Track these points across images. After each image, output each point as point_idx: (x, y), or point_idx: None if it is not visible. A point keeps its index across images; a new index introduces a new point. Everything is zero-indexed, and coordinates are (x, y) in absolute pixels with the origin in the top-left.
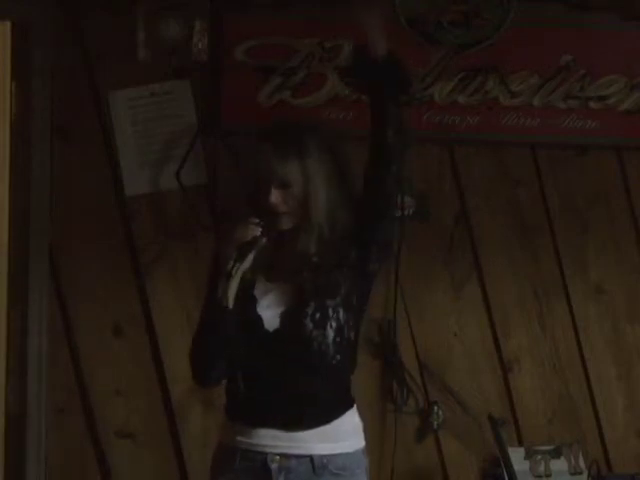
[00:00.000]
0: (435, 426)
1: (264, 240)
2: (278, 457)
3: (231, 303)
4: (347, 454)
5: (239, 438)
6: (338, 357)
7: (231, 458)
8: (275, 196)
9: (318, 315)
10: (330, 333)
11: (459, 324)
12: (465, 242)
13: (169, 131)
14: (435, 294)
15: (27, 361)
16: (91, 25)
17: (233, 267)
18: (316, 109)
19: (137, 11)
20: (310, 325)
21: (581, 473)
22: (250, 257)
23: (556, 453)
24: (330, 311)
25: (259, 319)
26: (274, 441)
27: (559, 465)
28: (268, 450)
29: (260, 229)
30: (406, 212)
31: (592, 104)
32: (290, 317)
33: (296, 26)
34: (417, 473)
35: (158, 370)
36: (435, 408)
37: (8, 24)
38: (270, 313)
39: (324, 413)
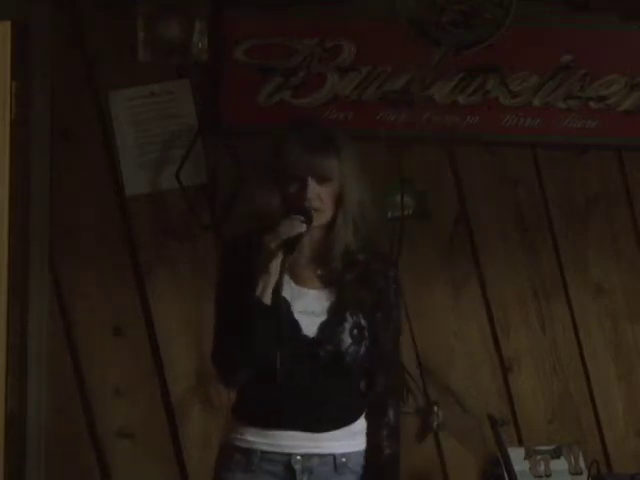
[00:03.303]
0: (435, 426)
1: (305, 238)
2: (300, 457)
3: (267, 299)
4: (362, 451)
5: (257, 439)
6: (362, 369)
7: (247, 459)
8: (312, 190)
9: (356, 331)
10: (362, 350)
11: (459, 324)
12: (465, 242)
13: (169, 131)
14: (435, 294)
15: (27, 361)
16: (91, 25)
17: (282, 265)
18: (316, 109)
19: (137, 11)
20: (349, 340)
21: (581, 473)
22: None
23: (556, 453)
24: (366, 332)
25: (296, 323)
26: (296, 441)
27: (559, 465)
28: (291, 451)
29: (304, 225)
30: (406, 212)
31: (592, 104)
32: (329, 329)
33: (296, 26)
34: (417, 473)
35: (158, 370)
36: (435, 408)
37: (8, 24)
38: (307, 319)
39: (344, 417)
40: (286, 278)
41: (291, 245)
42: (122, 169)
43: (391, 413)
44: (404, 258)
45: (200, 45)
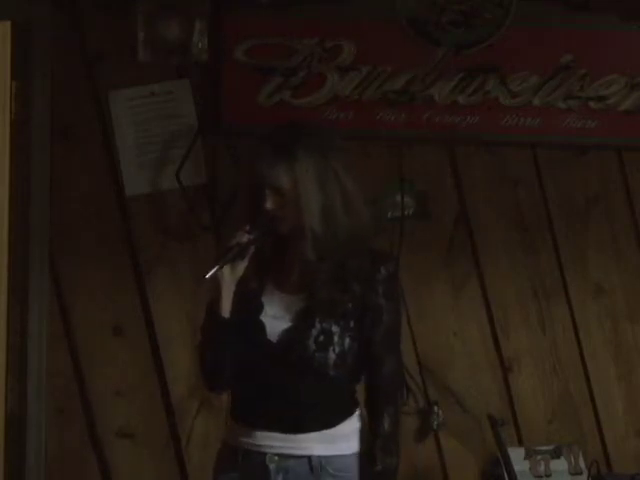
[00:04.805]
0: (435, 426)
1: (252, 248)
2: (276, 457)
3: (224, 311)
4: (345, 456)
5: (241, 439)
6: (339, 374)
7: (233, 457)
8: (270, 201)
9: (322, 337)
10: (332, 356)
11: (459, 324)
12: (465, 242)
13: (169, 131)
14: (435, 294)
15: (27, 361)
16: (91, 25)
17: (215, 272)
18: (316, 109)
19: (137, 11)
20: (313, 346)
21: (581, 473)
22: (240, 264)
23: (556, 453)
24: (335, 337)
25: (262, 326)
26: (273, 442)
27: (559, 465)
28: (267, 450)
29: (246, 235)
30: (406, 212)
31: (592, 104)
32: (294, 335)
33: (296, 26)
34: (417, 473)
35: (158, 370)
36: (435, 408)
37: (8, 24)
38: (275, 324)
39: (323, 419)
40: (269, 284)
41: (231, 254)
42: (122, 169)
43: (386, 423)
44: (404, 258)
45: (200, 45)
